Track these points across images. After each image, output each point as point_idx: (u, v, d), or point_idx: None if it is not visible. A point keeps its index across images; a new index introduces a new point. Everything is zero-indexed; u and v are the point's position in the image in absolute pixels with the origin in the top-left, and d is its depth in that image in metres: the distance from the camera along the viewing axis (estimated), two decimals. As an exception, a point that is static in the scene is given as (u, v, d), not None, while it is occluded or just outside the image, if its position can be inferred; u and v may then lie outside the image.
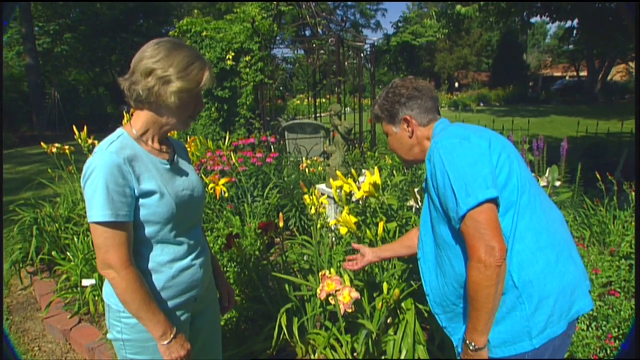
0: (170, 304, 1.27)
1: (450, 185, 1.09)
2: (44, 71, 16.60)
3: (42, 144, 3.99)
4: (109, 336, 1.29)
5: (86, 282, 2.61)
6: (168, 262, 1.25)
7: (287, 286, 2.34)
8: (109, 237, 1.11)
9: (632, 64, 26.81)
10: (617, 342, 2.00)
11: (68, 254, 3.03)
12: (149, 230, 1.21)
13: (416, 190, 2.63)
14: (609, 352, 1.96)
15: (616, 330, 2.03)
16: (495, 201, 1.08)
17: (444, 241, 1.23)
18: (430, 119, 1.35)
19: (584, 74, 28.04)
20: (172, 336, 1.20)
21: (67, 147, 3.78)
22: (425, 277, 1.38)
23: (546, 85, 30.53)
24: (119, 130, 1.23)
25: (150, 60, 1.16)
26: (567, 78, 31.49)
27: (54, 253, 3.12)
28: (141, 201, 1.17)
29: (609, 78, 25.93)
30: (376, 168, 2.28)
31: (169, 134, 1.35)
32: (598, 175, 3.26)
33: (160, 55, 1.16)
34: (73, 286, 2.90)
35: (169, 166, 1.27)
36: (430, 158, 1.19)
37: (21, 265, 3.39)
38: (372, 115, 1.49)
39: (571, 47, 24.37)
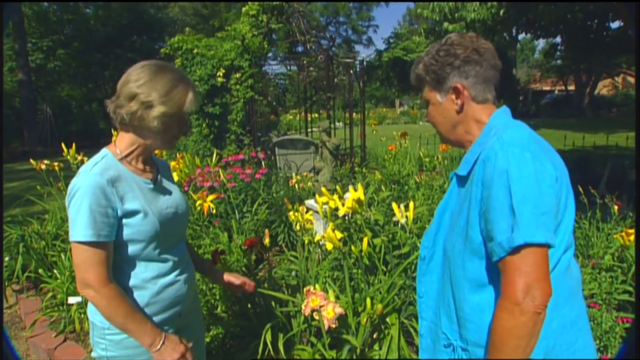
0: (155, 319, 1.28)
1: (510, 204, 0.89)
2: (37, 86, 16.61)
3: (31, 160, 3.99)
4: (93, 354, 1.30)
5: (72, 300, 2.59)
6: (152, 279, 1.27)
7: (273, 302, 2.35)
8: (89, 256, 1.13)
9: (618, 79, 27.38)
10: (599, 354, 2.02)
11: (55, 271, 3.01)
12: (132, 249, 1.23)
13: (402, 205, 2.67)
14: (589, 364, 1.98)
15: (597, 341, 2.06)
16: (549, 248, 0.91)
17: (452, 255, 1.07)
18: (487, 96, 1.09)
19: (572, 87, 28.58)
20: (160, 342, 1.21)
21: (55, 164, 3.78)
22: (425, 278, 1.20)
23: (535, 99, 31.03)
24: (104, 151, 1.25)
25: (134, 84, 1.19)
26: (556, 92, 32.06)
27: (40, 270, 3.10)
28: (124, 220, 1.19)
29: (596, 92, 26.45)
30: (359, 184, 2.31)
31: (154, 153, 1.38)
32: (580, 189, 3.32)
33: (143, 79, 1.19)
34: (59, 304, 2.88)
35: (152, 185, 1.30)
36: (486, 160, 0.96)
37: (6, 283, 3.36)
38: (413, 76, 1.19)
39: (559, 61, 24.90)
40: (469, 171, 1.04)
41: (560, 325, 0.97)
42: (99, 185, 1.14)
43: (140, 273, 1.25)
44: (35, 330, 2.79)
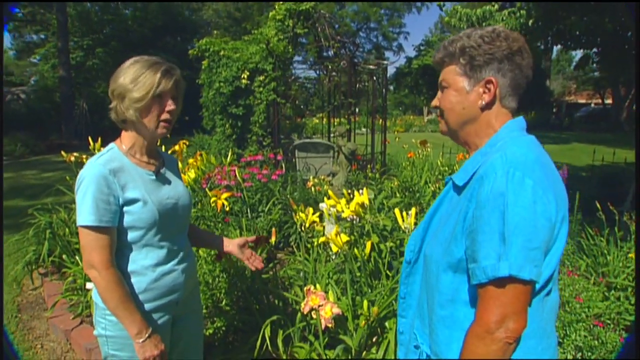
0: (152, 305, 1.37)
1: (501, 231, 0.85)
2: (75, 83, 17.42)
3: (62, 152, 4.22)
4: (94, 332, 1.40)
5: (89, 285, 2.72)
6: (151, 266, 1.36)
7: (276, 300, 2.41)
8: (92, 239, 1.23)
9: (660, 93, 26.09)
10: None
11: (76, 257, 3.18)
12: (133, 235, 1.32)
13: (409, 212, 2.68)
14: (590, 382, 1.94)
15: (600, 361, 2.01)
16: (533, 284, 0.89)
17: (429, 262, 1.04)
18: (512, 104, 1.02)
19: (609, 101, 27.49)
20: (146, 335, 1.29)
21: (84, 156, 3.99)
22: (409, 280, 1.17)
23: (570, 111, 30.04)
24: (111, 145, 1.37)
25: (112, 84, 1.30)
26: (592, 105, 30.92)
27: (64, 256, 3.27)
28: (125, 208, 1.29)
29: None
30: (366, 189, 2.35)
31: (164, 149, 1.48)
32: (598, 205, 3.24)
33: (118, 75, 1.29)
34: (78, 288, 3.04)
35: (154, 177, 1.39)
36: (484, 177, 0.89)
37: (33, 267, 3.57)
38: (441, 53, 1.06)
39: (596, 73, 24.00)
40: (465, 182, 0.98)
41: (523, 355, 0.93)
42: (101, 175, 1.24)
43: (141, 259, 1.35)
44: (55, 312, 2.96)
